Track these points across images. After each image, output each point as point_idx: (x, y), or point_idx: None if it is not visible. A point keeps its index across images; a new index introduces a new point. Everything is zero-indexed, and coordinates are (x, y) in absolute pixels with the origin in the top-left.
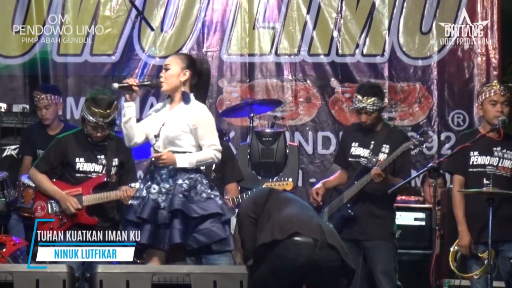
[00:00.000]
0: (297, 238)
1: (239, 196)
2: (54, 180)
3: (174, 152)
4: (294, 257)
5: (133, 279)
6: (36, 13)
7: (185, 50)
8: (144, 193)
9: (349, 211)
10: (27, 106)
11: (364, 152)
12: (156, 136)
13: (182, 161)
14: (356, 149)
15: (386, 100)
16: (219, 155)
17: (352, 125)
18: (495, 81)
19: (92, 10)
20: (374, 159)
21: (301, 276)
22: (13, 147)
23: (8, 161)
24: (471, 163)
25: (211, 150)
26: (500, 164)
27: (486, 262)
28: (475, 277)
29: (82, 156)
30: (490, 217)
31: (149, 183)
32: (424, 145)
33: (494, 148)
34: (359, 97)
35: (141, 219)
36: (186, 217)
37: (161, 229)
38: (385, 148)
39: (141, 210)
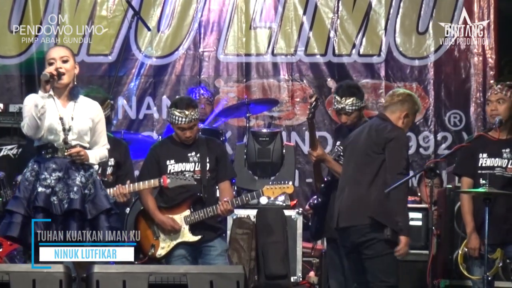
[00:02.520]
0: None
1: (238, 199)
2: None
3: (82, 146)
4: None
5: (130, 279)
6: (33, 13)
7: (181, 50)
8: (37, 184)
9: (311, 202)
10: None
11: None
12: (68, 130)
13: (92, 158)
14: (339, 149)
15: (382, 100)
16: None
17: (340, 126)
18: (492, 81)
19: (89, 10)
20: (338, 151)
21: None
22: (9, 147)
23: (5, 161)
24: (480, 165)
25: (105, 149)
26: (509, 166)
27: (496, 263)
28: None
29: None
30: (487, 216)
31: (45, 174)
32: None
33: (503, 150)
34: (338, 98)
35: (36, 208)
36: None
37: (53, 223)
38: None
39: (35, 199)
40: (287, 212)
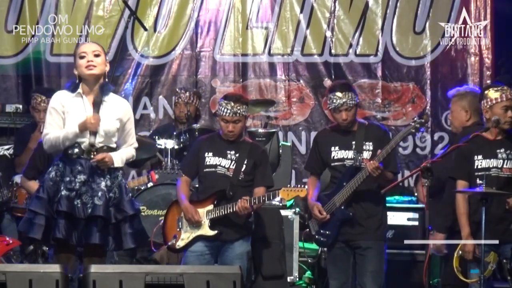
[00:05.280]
0: None
1: (256, 198)
2: None
3: (109, 147)
4: None
5: (127, 279)
6: (29, 13)
7: (178, 50)
8: (61, 187)
9: (349, 213)
10: (20, 106)
11: (347, 154)
12: (95, 132)
13: (117, 161)
14: (338, 153)
15: (379, 100)
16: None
17: (324, 130)
18: (505, 87)
19: (85, 10)
20: (360, 158)
21: None
22: (6, 147)
23: (2, 161)
24: (475, 167)
25: (132, 148)
26: (505, 166)
27: (489, 266)
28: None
29: None
30: (483, 216)
31: (70, 176)
32: (424, 128)
33: (498, 151)
34: (338, 94)
35: (59, 212)
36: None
37: (76, 226)
38: (368, 145)
39: (59, 203)
40: (283, 212)
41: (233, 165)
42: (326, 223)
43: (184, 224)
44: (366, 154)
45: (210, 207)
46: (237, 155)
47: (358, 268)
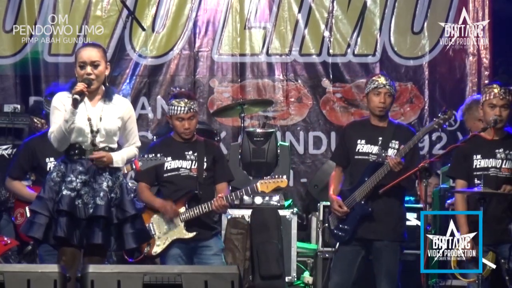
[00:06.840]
0: None
1: (233, 194)
2: (31, 185)
3: (110, 147)
4: None
5: (125, 279)
6: (27, 13)
7: (176, 50)
8: (62, 187)
9: (369, 208)
10: (18, 106)
11: (372, 148)
12: (96, 132)
13: (117, 161)
14: (364, 146)
15: None
16: (138, 152)
17: (354, 122)
18: (495, 84)
19: (83, 10)
20: (383, 154)
21: None
22: (4, 147)
23: (0, 161)
24: (474, 167)
25: (134, 148)
26: (503, 166)
27: (487, 266)
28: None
29: (52, 156)
30: (482, 216)
31: (71, 176)
32: (447, 123)
33: (497, 150)
34: (383, 77)
35: (59, 211)
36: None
37: (76, 226)
38: (395, 143)
39: (60, 202)
40: (281, 212)
41: (194, 165)
42: (346, 218)
43: (157, 230)
44: (390, 152)
45: (182, 209)
46: (195, 154)
47: (374, 269)
